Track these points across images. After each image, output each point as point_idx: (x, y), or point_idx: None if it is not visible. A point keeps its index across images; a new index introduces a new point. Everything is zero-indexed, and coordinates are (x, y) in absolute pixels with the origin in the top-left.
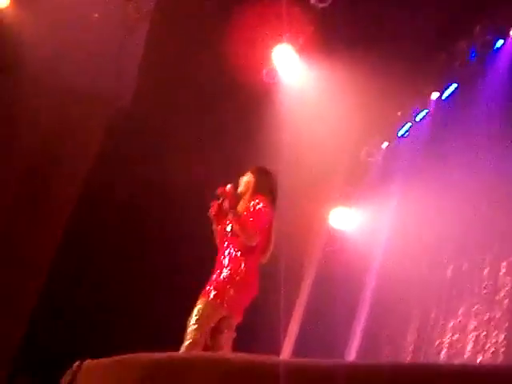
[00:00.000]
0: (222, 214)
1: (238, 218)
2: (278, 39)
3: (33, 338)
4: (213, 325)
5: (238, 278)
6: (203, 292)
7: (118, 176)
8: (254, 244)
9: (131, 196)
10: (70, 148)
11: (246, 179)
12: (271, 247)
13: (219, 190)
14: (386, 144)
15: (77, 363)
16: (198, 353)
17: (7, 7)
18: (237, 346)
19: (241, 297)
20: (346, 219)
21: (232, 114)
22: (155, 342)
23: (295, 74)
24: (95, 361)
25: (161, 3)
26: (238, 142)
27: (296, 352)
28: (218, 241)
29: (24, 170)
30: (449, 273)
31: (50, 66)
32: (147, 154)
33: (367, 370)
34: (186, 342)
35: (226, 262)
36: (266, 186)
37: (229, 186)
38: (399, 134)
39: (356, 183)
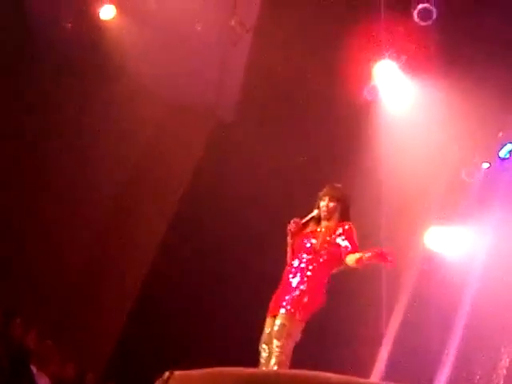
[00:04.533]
0: (300, 231)
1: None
2: (380, 56)
3: (123, 348)
4: (297, 340)
5: (312, 290)
6: (278, 308)
7: (215, 193)
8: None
9: (226, 212)
10: (167, 162)
11: (332, 205)
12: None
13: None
14: (486, 165)
15: (167, 373)
16: (293, 370)
17: (112, 19)
18: (329, 362)
19: (313, 306)
20: (443, 239)
21: (332, 131)
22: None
23: (397, 91)
24: (185, 372)
25: (264, 17)
26: (334, 159)
27: (387, 374)
28: (290, 255)
29: (123, 181)
30: None
31: (152, 78)
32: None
33: None
34: (272, 362)
35: (300, 276)
36: (349, 212)
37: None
38: (500, 156)
39: (454, 203)
